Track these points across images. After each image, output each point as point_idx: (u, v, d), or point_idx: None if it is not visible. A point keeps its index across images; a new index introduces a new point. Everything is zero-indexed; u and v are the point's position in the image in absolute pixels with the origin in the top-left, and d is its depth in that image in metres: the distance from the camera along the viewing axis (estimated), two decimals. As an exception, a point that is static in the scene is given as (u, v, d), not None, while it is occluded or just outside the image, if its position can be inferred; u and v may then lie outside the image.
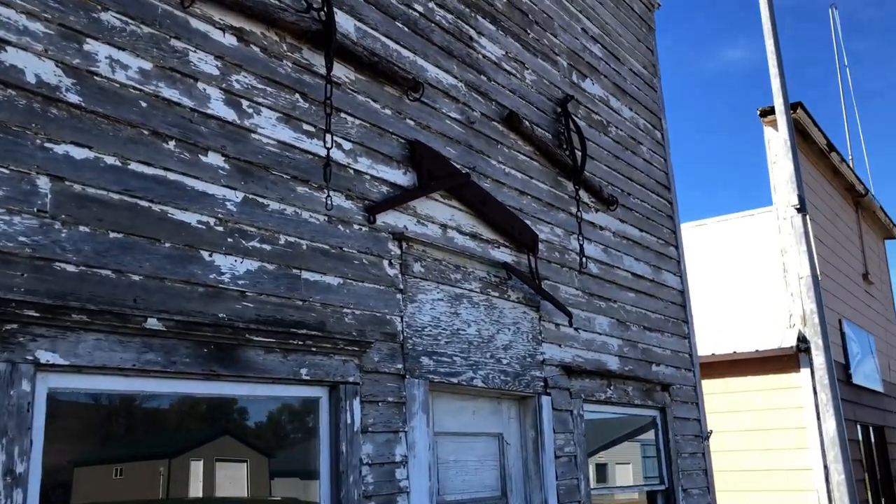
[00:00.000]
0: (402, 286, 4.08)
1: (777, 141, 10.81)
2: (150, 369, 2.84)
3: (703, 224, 13.87)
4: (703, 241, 13.14)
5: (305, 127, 3.71)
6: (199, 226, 3.15)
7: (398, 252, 4.10)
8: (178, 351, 2.93)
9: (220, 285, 3.17)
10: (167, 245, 3.01)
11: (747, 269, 11.93)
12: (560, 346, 5.24)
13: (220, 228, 3.23)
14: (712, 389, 8.85)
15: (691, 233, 11.90)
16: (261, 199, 3.43)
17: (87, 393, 2.71)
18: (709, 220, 14.12)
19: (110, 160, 2.88)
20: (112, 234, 2.83)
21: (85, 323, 2.64)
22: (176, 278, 3.01)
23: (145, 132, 3.02)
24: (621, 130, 6.69)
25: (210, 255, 3.16)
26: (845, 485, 7.84)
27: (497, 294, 4.78)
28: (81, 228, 2.75)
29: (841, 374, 10.16)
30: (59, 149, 2.73)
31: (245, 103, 3.45)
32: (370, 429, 3.68)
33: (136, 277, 2.87)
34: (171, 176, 3.08)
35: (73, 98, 2.80)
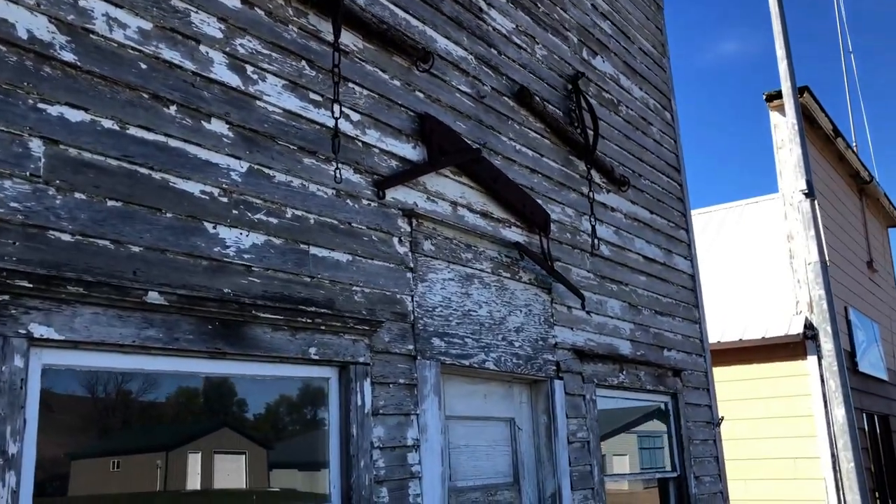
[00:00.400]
0: (412, 265, 3.92)
1: (783, 126, 10.66)
2: (152, 346, 2.67)
3: (707, 211, 13.73)
4: (708, 229, 12.99)
5: (312, 96, 3.53)
6: (203, 196, 2.98)
7: (408, 229, 3.93)
8: (180, 327, 2.76)
9: (225, 259, 3.00)
10: (169, 215, 2.84)
11: (753, 257, 11.79)
12: (572, 329, 5.09)
13: (225, 199, 3.06)
14: (719, 377, 8.68)
15: (696, 220, 11.74)
16: (267, 170, 3.25)
17: (84, 370, 2.53)
18: (713, 207, 13.99)
19: (108, 124, 2.71)
20: (110, 203, 2.66)
21: (81, 295, 2.47)
22: (178, 250, 2.84)
23: (145, 95, 2.85)
24: (631, 110, 6.52)
25: (214, 228, 2.99)
26: (854, 473, 7.71)
27: (508, 275, 4.62)
28: (77, 195, 2.57)
29: (847, 362, 10.03)
30: (54, 110, 2.56)
31: (250, 69, 3.27)
32: (381, 411, 3.52)
33: (135, 248, 2.70)
34: (173, 143, 2.91)
35: (68, 57, 2.62)
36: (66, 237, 2.52)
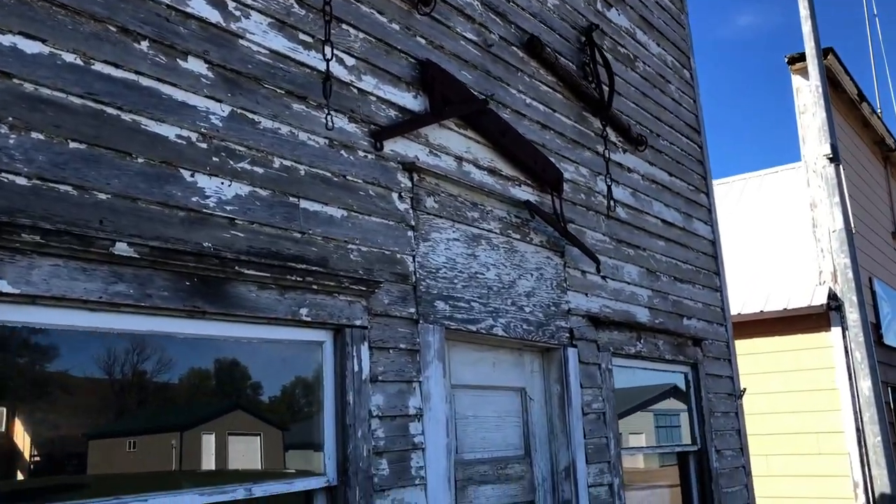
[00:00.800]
0: (413, 223, 3.65)
1: (806, 90, 10.25)
2: (121, 303, 2.42)
3: (726, 182, 13.34)
4: (727, 200, 12.62)
5: (302, 37, 3.25)
6: (179, 141, 2.71)
7: (409, 184, 3.66)
8: (153, 283, 2.51)
9: (205, 210, 2.74)
10: (140, 160, 2.58)
11: (774, 227, 11.43)
12: (587, 295, 4.81)
13: (204, 145, 2.79)
14: (739, 350, 8.35)
15: (715, 191, 11.38)
16: (251, 115, 2.98)
17: (45, 329, 2.29)
18: (732, 178, 13.59)
19: (69, 58, 2.44)
20: (72, 144, 2.40)
21: (38, 245, 2.22)
22: (151, 199, 2.58)
23: (112, 28, 2.58)
24: (649, 66, 6.18)
25: (192, 175, 2.73)
26: (881, 447, 7.41)
27: (518, 236, 4.34)
28: (34, 135, 2.32)
29: (873, 334, 9.70)
30: (5, 39, 2.30)
31: (232, 4, 2.99)
32: (380, 378, 3.27)
33: (102, 196, 2.45)
34: (144, 81, 2.64)
35: (22, -19, 2.36)
36: (21, 181, 2.26)
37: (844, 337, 9.38)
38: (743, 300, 9.94)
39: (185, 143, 2.73)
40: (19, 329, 2.23)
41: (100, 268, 2.38)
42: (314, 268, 3.05)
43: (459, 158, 4.01)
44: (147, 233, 2.54)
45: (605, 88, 5.31)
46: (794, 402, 9.59)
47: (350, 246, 3.28)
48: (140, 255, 2.46)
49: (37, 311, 2.25)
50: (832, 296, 9.51)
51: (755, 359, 9.68)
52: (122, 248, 2.41)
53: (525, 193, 4.43)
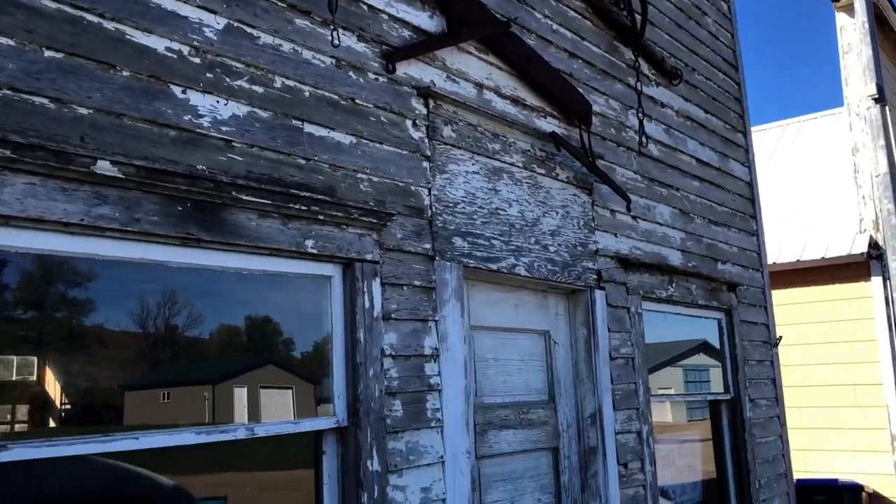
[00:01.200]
0: (429, 153, 3.41)
1: (851, 28, 9.70)
2: (106, 227, 2.23)
3: (763, 129, 12.85)
4: (764, 146, 12.15)
5: (305, -54, 2.99)
6: (169, 54, 2.49)
7: (424, 111, 3.41)
8: (142, 206, 2.31)
9: (198, 130, 2.53)
10: (125, 73, 2.36)
11: (812, 173, 10.98)
12: (616, 235, 4.55)
13: (197, 60, 2.56)
14: (774, 300, 8.06)
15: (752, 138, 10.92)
16: (248, 30, 2.74)
17: (19, 253, 2.10)
18: (769, 125, 13.09)
19: (42, -43, 2.22)
20: (48, 53, 2.19)
21: (10, 160, 2.03)
22: (138, 115, 2.37)
23: (91, -73, 2.34)
24: (684, -5, 5.80)
25: (184, 92, 2.51)
26: (923, 399, 7.13)
27: (543, 171, 4.08)
28: (3, 40, 2.11)
29: (915, 283, 9.31)
30: (-32, -67, 2.08)
31: None
32: (393, 315, 3.07)
33: (82, 110, 2.24)
34: (129, -13, 2.41)
35: None
36: (-10, 91, 2.06)
37: (885, 286, 9.01)
38: (780, 248, 9.58)
39: (175, 56, 2.50)
40: (-6, 252, 2.05)
41: (81, 188, 2.18)
42: (320, 196, 2.83)
43: (479, 85, 3.74)
44: (134, 152, 2.33)
45: (638, 17, 4.97)
46: (830, 354, 9.28)
47: (360, 175, 3.05)
48: (125, 175, 2.26)
49: (11, 233, 2.07)
50: (873, 244, 9.11)
51: (791, 309, 9.35)
52: (104, 166, 2.21)
53: (551, 125, 4.16)
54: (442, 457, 3.14)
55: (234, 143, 2.63)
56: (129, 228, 2.27)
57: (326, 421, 2.80)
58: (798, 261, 9.52)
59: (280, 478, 2.89)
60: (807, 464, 8.93)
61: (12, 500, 2.09)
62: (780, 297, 9.36)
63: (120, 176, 2.25)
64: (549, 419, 3.97)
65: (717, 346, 5.52)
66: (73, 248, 2.19)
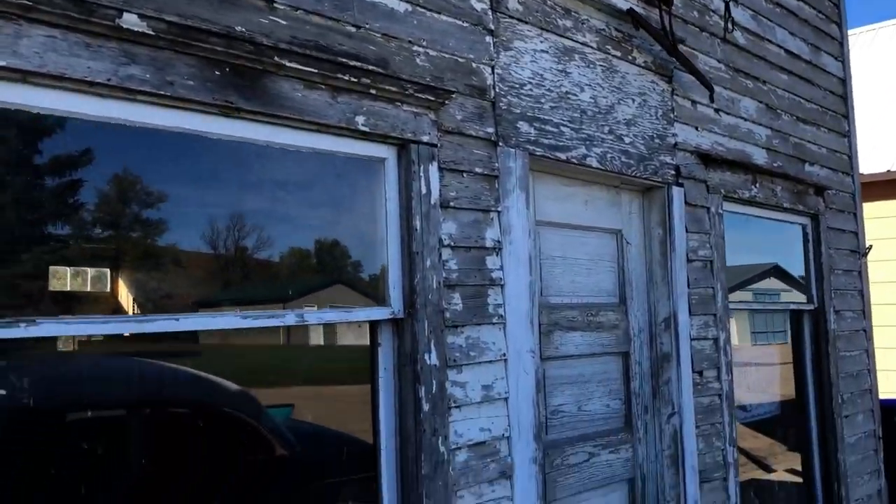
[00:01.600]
0: (492, 26, 3.09)
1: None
2: (137, 89, 2.02)
3: (854, 33, 11.88)
4: (854, 52, 11.25)
5: None
6: None
7: (488, -20, 3.07)
8: (175, 68, 2.09)
9: (236, -13, 2.28)
10: (152, -82, 2.11)
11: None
12: (697, 128, 4.17)
13: None
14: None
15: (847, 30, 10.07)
16: None
17: (40, 114, 1.92)
18: (858, 29, 12.11)
19: None
20: None
21: (25, 7, 1.82)
22: (167, -33, 2.13)
23: None
24: None
25: (219, -56, 2.25)
26: None
27: (619, 54, 3.71)
28: None
29: None
30: None
31: None
32: (452, 204, 2.83)
33: (105, -43, 2.01)
34: None
35: None
36: (1, -70, 1.84)
37: None
38: (868, 159, 8.92)
39: None
40: (12, 112, 1.87)
41: (107, 44, 1.97)
42: (372, 68, 2.57)
43: (549, -46, 3.37)
44: (165, 7, 2.10)
45: None
46: (919, 271, 8.71)
47: (415, 48, 2.77)
48: (155, 31, 2.03)
49: (29, 91, 1.88)
50: (974, 153, 8.39)
51: (877, 223, 8.75)
52: (131, 20, 1.99)
53: (628, 2, 3.76)
54: (504, 354, 2.94)
55: (276, 5, 2.37)
56: (162, 92, 2.07)
57: (381, 311, 2.62)
58: (889, 171, 8.88)
59: (336, 374, 2.75)
60: (891, 384, 8.51)
61: (77, 397, 2.00)
62: (868, 210, 8.76)
63: (150, 32, 2.02)
64: (620, 322, 3.73)
65: (789, 269, 5.11)
66: (100, 111, 1.99)
